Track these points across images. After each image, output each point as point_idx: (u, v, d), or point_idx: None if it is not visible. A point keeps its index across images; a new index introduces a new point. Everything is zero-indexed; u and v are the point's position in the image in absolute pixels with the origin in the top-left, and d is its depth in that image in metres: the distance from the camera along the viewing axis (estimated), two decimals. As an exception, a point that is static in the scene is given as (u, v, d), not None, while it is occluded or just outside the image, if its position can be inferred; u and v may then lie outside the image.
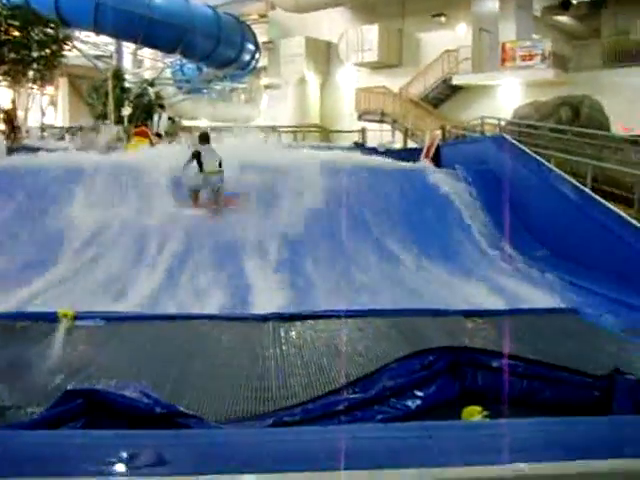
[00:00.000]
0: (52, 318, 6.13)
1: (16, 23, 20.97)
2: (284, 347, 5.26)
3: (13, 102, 22.17)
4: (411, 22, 30.56)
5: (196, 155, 11.34)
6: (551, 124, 15.82)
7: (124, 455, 2.33)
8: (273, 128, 26.39)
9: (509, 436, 2.56)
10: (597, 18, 29.32)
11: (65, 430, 3.11)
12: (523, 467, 2.34)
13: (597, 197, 10.05)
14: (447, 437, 2.56)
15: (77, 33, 28.67)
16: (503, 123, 17.92)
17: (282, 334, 5.66)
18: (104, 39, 30.78)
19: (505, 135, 14.52)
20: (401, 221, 11.06)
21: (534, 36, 27.35)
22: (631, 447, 2.48)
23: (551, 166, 11.60)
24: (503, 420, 3.09)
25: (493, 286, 8.41)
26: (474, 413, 3.60)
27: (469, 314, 6.45)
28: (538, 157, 12.10)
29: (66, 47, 23.42)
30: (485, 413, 3.59)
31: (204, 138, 11.75)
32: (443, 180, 12.54)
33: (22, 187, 11.40)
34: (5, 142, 17.32)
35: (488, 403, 3.78)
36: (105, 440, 2.59)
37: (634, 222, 9.26)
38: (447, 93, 28.25)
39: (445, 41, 28.39)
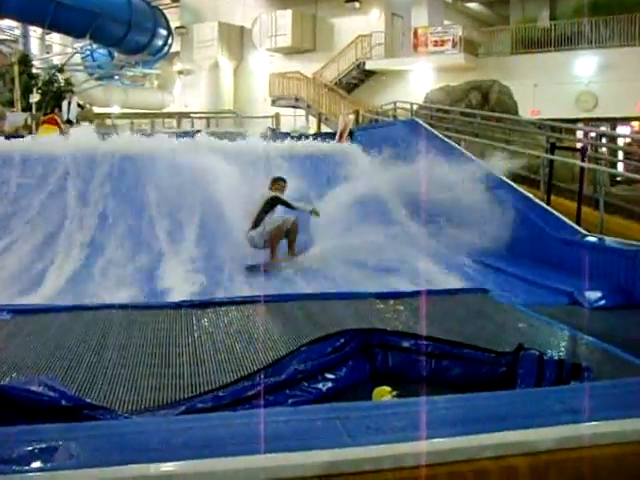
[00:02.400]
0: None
1: None
2: (196, 334, 5.23)
3: None
4: (325, 7, 30.63)
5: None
6: (461, 108, 16.16)
7: (30, 451, 2.28)
8: (186, 114, 26.12)
9: (417, 414, 2.61)
10: (506, 5, 30.11)
11: (-34, 428, 3.01)
12: (429, 443, 2.39)
13: (505, 179, 10.33)
14: (355, 417, 2.59)
15: (-21, 16, 27.66)
16: (415, 107, 18.18)
17: (194, 321, 5.63)
18: (9, 22, 29.75)
19: (417, 119, 14.73)
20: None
21: (445, 22, 27.83)
22: (534, 418, 2.58)
23: (462, 149, 11.86)
24: (412, 399, 3.15)
25: (405, 268, 8.55)
26: (384, 393, 3.65)
27: (381, 296, 6.54)
28: (448, 140, 12.34)
29: (-33, 31, 22.58)
30: (395, 393, 3.65)
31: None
32: (352, 160, 12.63)
33: None
34: None
35: (399, 383, 3.84)
36: (9, 436, 2.52)
37: (541, 203, 9.57)
38: (361, 78, 28.47)
39: (358, 26, 28.58)
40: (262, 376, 3.76)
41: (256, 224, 9.18)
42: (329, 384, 3.83)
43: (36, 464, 2.20)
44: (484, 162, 10.97)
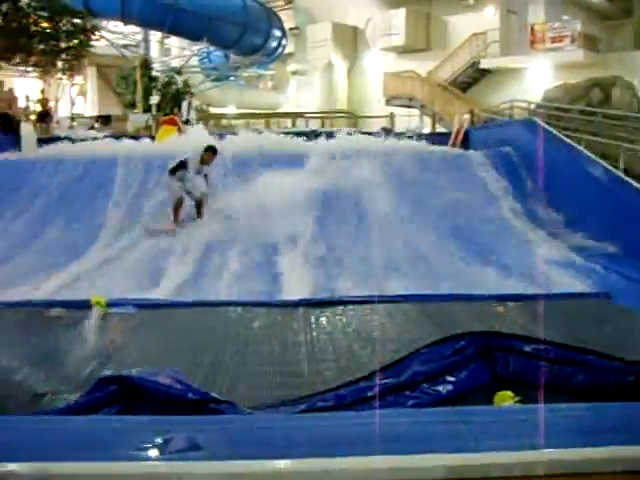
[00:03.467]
0: (85, 305, 6.21)
1: (45, 14, 21.19)
2: (315, 333, 5.27)
3: (42, 92, 22.41)
4: (438, 5, 30.30)
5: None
6: (581, 106, 15.63)
7: (159, 440, 2.36)
8: (300, 114, 26.40)
9: (542, 422, 2.54)
10: (628, -2, 28.85)
11: (101, 416, 3.15)
12: (556, 453, 2.33)
13: (629, 179, 9.93)
14: (479, 422, 2.55)
15: (105, 23, 28.88)
16: (532, 106, 17.73)
17: (313, 320, 5.68)
18: (131, 28, 30.95)
19: (535, 118, 14.37)
20: (430, 204, 10.99)
21: (564, 17, 26.98)
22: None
23: (582, 149, 11.48)
24: (536, 405, 3.07)
25: (523, 270, 8.36)
26: (506, 398, 3.58)
27: (499, 298, 6.41)
28: (568, 140, 11.98)
29: (94, 37, 23.61)
30: (517, 398, 3.57)
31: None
32: (472, 164, 12.46)
33: (57, 175, 11.58)
34: (35, 132, 17.51)
35: (520, 388, 3.76)
36: (140, 426, 2.63)
37: (667, 205, 9.15)
38: (475, 77, 28.03)
39: (473, 24, 28.11)
40: (382, 376, 3.76)
41: (171, 173, 10.39)
42: (449, 387, 3.79)
43: (165, 454, 2.28)
44: (606, 162, 10.59)
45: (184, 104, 20.45)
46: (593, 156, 10.93)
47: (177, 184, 10.34)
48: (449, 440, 2.41)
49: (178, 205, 10.39)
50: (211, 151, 10.70)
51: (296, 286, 7.67)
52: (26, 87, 24.25)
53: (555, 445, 2.35)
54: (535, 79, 25.65)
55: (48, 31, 21.34)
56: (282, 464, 2.28)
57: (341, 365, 4.46)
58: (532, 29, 26.09)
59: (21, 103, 20.94)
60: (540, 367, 3.99)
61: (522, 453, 2.31)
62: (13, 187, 11.51)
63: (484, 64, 27.35)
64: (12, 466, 2.17)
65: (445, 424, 2.56)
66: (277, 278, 8.28)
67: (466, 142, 16.07)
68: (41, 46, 21.23)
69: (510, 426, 2.54)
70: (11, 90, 21.61)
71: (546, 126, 13.02)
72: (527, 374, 4.00)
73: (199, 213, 10.59)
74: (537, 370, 3.98)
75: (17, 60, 22.03)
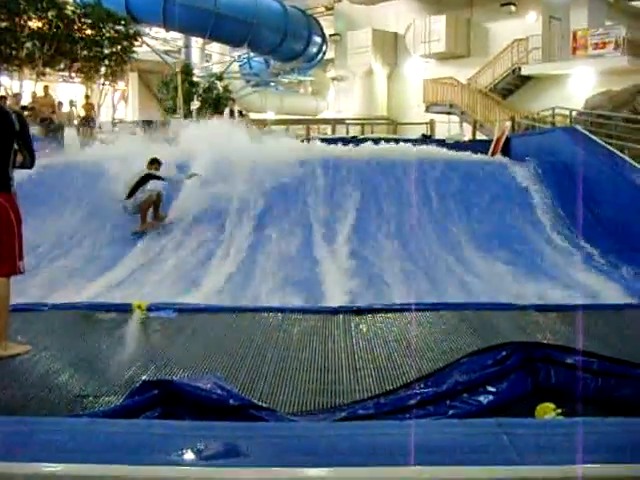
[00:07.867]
0: (126, 309, 6.28)
1: (89, 21, 21.58)
2: (354, 340, 5.27)
3: (87, 97, 22.76)
4: (479, 11, 30.15)
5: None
6: (625, 114, 15.42)
7: (200, 446, 2.37)
8: (340, 120, 26.41)
9: (585, 435, 2.50)
10: (676, 2, 28.35)
11: (143, 420, 3.17)
12: (600, 468, 2.29)
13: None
14: (523, 434, 2.52)
15: (147, 29, 29.26)
16: (575, 114, 17.53)
17: (352, 327, 5.68)
18: (173, 34, 31.31)
19: (577, 126, 14.20)
20: (467, 213, 10.95)
21: (607, 23, 26.61)
22: None
23: (625, 157, 11.32)
24: (579, 419, 3.02)
25: (564, 280, 8.27)
26: (548, 410, 3.53)
27: (540, 309, 6.34)
28: (611, 148, 11.82)
29: (136, 43, 23.96)
30: (559, 411, 3.52)
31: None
32: (512, 172, 12.36)
33: (99, 179, 11.73)
34: (78, 137, 17.79)
35: (561, 401, 3.70)
36: (181, 430, 2.65)
37: None
38: (516, 83, 27.79)
39: (514, 30, 27.89)
40: (422, 386, 3.74)
41: (129, 195, 10.71)
42: (490, 397, 3.74)
43: (206, 459, 2.28)
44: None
45: (226, 110, 20.60)
46: (637, 165, 10.77)
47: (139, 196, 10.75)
48: (492, 452, 2.38)
49: (146, 207, 10.88)
50: (153, 163, 11.31)
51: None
52: (70, 92, 24.62)
53: (600, 460, 2.31)
54: (577, 86, 25.35)
55: (92, 37, 21.74)
56: (325, 472, 2.28)
57: (381, 373, 4.44)
58: (574, 35, 25.79)
59: (65, 108, 21.26)
60: (583, 379, 3.93)
61: (566, 467, 2.27)
62: (56, 189, 11.70)
63: (525, 71, 27.10)
64: (53, 467, 2.21)
65: (488, 435, 2.53)
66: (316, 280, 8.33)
67: (507, 150, 15.92)
68: (85, 52, 21.65)
69: (557, 439, 2.49)
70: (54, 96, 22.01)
71: (588, 134, 12.87)
72: (569, 386, 3.93)
73: (156, 214, 11.08)
74: (580, 382, 3.92)
75: (61, 66, 22.46)
